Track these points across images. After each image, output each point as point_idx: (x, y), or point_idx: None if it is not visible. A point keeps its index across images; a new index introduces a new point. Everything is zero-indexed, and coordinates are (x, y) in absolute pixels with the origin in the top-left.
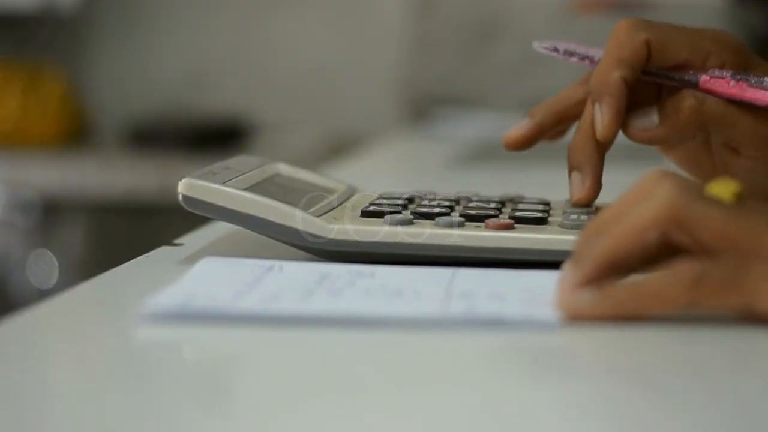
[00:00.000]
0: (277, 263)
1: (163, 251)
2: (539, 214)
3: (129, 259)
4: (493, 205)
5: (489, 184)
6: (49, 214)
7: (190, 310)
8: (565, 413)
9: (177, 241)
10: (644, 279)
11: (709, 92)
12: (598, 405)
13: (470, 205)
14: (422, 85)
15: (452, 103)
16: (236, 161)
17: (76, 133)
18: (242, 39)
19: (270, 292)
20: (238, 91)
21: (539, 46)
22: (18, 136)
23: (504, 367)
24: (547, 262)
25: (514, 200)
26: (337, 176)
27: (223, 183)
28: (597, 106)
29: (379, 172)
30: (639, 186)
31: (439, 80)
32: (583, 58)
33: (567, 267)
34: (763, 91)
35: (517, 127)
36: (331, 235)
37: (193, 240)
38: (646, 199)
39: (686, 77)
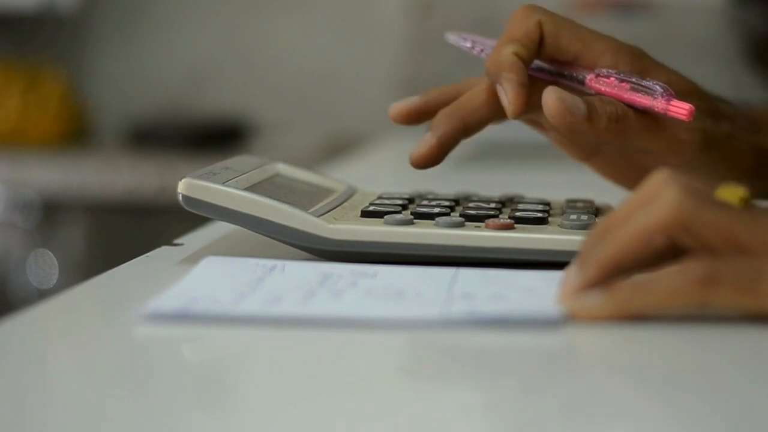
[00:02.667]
0: (279, 263)
1: (163, 251)
2: (539, 214)
3: (129, 259)
4: (493, 205)
5: (489, 184)
6: (49, 214)
7: (191, 312)
8: (567, 413)
9: (177, 241)
10: (654, 276)
11: (595, 91)
12: (600, 405)
13: (470, 205)
14: (422, 85)
15: None
16: (236, 161)
17: (76, 133)
18: (242, 39)
19: (271, 294)
20: (238, 91)
21: (450, 36)
22: (18, 136)
23: (505, 366)
24: (547, 262)
25: (514, 200)
26: (337, 176)
27: (223, 183)
28: (499, 87)
29: (379, 172)
30: (646, 188)
31: (439, 80)
32: (484, 50)
33: (571, 269)
34: (640, 95)
35: (407, 100)
36: (331, 235)
37: (193, 240)
38: (652, 202)
39: (574, 74)
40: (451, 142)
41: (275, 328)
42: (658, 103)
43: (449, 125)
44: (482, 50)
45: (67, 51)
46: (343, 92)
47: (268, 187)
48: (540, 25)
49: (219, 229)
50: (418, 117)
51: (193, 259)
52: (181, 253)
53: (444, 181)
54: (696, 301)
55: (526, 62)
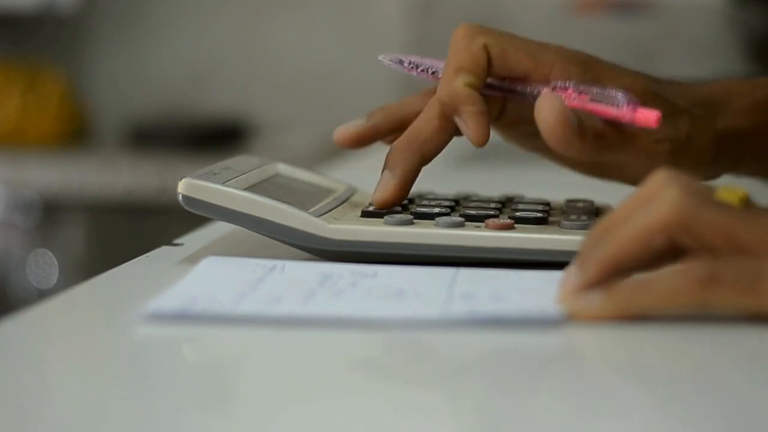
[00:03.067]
0: (279, 263)
1: (163, 251)
2: (539, 214)
3: (129, 259)
4: (493, 205)
5: (489, 184)
6: (49, 214)
7: (191, 312)
8: (565, 413)
9: (177, 241)
10: (654, 277)
11: None
12: (600, 404)
13: (470, 205)
14: (422, 85)
15: None
16: (236, 161)
17: (76, 133)
18: (242, 39)
19: (271, 294)
20: (238, 91)
21: (384, 59)
22: (18, 136)
23: (505, 367)
24: (547, 262)
25: (514, 200)
26: (337, 176)
27: (223, 183)
28: (458, 119)
29: (379, 172)
30: (645, 188)
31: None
32: (426, 70)
33: (571, 269)
34: (603, 106)
35: (352, 124)
36: (331, 235)
37: (193, 240)
38: (652, 202)
39: (528, 89)
40: (413, 178)
41: (275, 328)
42: (623, 113)
43: (408, 161)
44: (422, 70)
45: (67, 51)
46: (343, 92)
47: (268, 187)
48: (485, 48)
49: (219, 229)
50: (364, 141)
51: (193, 259)
52: (181, 253)
53: (444, 181)
54: (696, 301)
55: (479, 89)
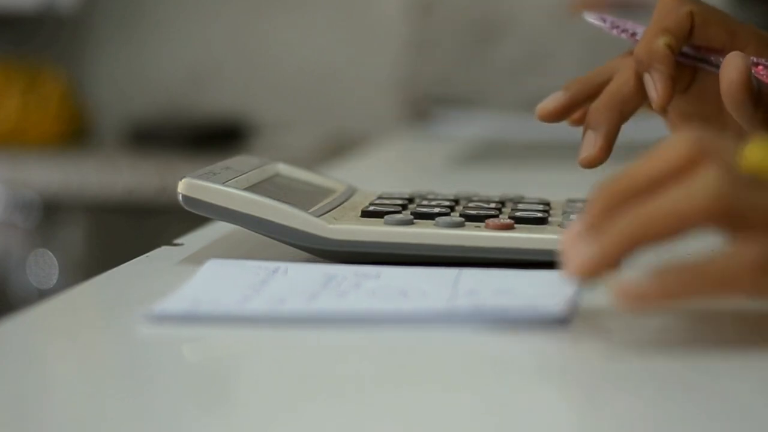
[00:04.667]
0: (282, 265)
1: (163, 251)
2: (539, 214)
3: (129, 259)
4: (493, 205)
5: (489, 184)
6: (49, 214)
7: (197, 315)
8: (568, 414)
9: (177, 241)
10: (707, 260)
11: None
12: (603, 406)
13: (470, 205)
14: (422, 85)
15: (452, 103)
16: (236, 161)
17: (76, 133)
18: (242, 39)
19: (275, 296)
20: (238, 91)
21: (589, 16)
22: (18, 136)
23: (510, 366)
24: (547, 262)
25: (514, 200)
26: (337, 176)
27: (223, 183)
28: (647, 76)
29: (379, 172)
30: (673, 152)
31: (439, 80)
32: (627, 31)
33: (581, 233)
34: None
35: (552, 98)
36: (331, 235)
37: (193, 240)
38: (688, 180)
39: (721, 60)
40: (615, 136)
41: (276, 328)
42: None
43: (610, 120)
44: (623, 31)
45: (67, 51)
46: (343, 92)
47: (268, 187)
48: (691, 15)
49: (219, 229)
50: (565, 113)
51: (193, 259)
52: (181, 253)
53: (444, 181)
54: (754, 287)
55: (676, 53)
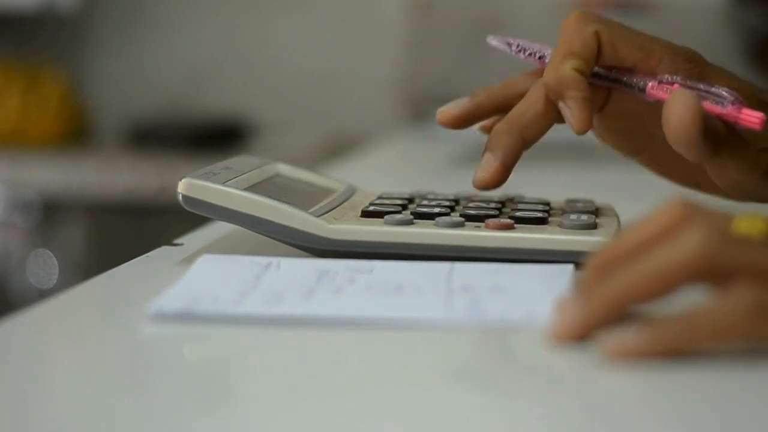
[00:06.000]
0: (274, 260)
1: (163, 251)
2: (539, 214)
3: (129, 259)
4: (493, 205)
5: None
6: (49, 214)
7: (194, 312)
8: (560, 417)
9: (177, 241)
10: (697, 311)
11: (656, 99)
12: (599, 405)
13: (470, 205)
14: (422, 85)
15: None
16: (236, 161)
17: (76, 133)
18: (242, 39)
19: (271, 292)
20: (238, 91)
21: (492, 40)
22: (18, 136)
23: (503, 368)
24: (547, 262)
25: (514, 200)
26: (337, 176)
27: (223, 183)
28: (562, 104)
29: (379, 172)
30: (661, 219)
31: (439, 80)
32: (533, 54)
33: (568, 300)
34: (709, 104)
35: (455, 103)
36: (331, 235)
37: (193, 240)
38: (673, 239)
39: (634, 81)
40: (514, 161)
41: (276, 327)
42: (729, 111)
43: (509, 144)
44: (529, 55)
45: (67, 51)
46: (343, 92)
47: (268, 187)
48: (597, 35)
49: (219, 229)
50: (467, 121)
51: (193, 259)
52: (181, 253)
53: (444, 181)
54: (744, 334)
55: (586, 76)
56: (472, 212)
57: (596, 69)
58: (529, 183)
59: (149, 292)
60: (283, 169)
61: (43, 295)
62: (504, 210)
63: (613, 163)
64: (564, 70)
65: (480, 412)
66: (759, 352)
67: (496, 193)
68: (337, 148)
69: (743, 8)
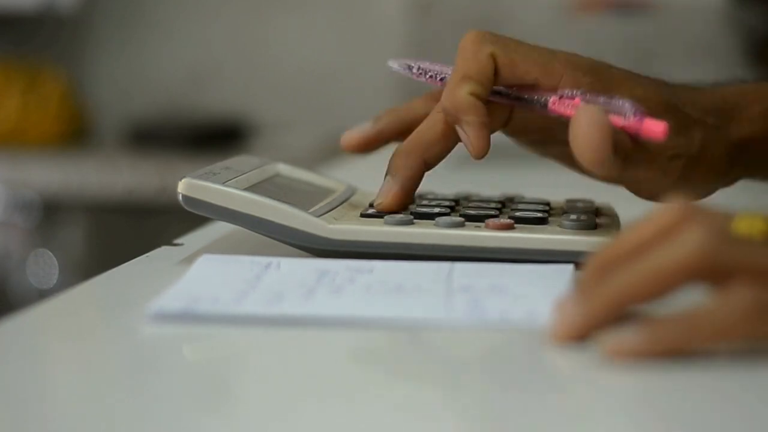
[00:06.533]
0: (274, 260)
1: (163, 251)
2: (539, 214)
3: (129, 259)
4: (493, 205)
5: (489, 184)
6: (49, 214)
7: (195, 312)
8: (560, 417)
9: (177, 241)
10: (697, 311)
11: (559, 114)
12: (599, 404)
13: (470, 205)
14: (422, 85)
15: None
16: (236, 161)
17: (76, 133)
18: (242, 39)
19: (272, 292)
20: (238, 91)
21: (393, 64)
22: (18, 136)
23: (504, 368)
24: (547, 262)
25: (514, 200)
26: (337, 176)
27: (223, 183)
28: (459, 129)
29: (379, 172)
30: (661, 219)
31: None
32: (435, 76)
33: (567, 300)
34: (611, 115)
35: (358, 129)
36: (331, 235)
37: (193, 240)
38: (672, 239)
39: (535, 98)
40: (415, 184)
41: (276, 326)
42: (630, 123)
43: (410, 167)
44: (430, 77)
45: (67, 51)
46: (343, 92)
47: (268, 187)
48: (493, 57)
49: (219, 229)
50: (371, 146)
51: (193, 259)
52: (181, 253)
53: (444, 181)
54: (744, 333)
55: (483, 99)
56: (472, 212)
57: (496, 87)
58: (529, 183)
59: (149, 292)
60: (283, 169)
61: (43, 295)
62: (504, 210)
63: None
64: (460, 94)
65: (480, 412)
66: (759, 352)
67: (496, 193)
68: (338, 148)
69: (743, 8)
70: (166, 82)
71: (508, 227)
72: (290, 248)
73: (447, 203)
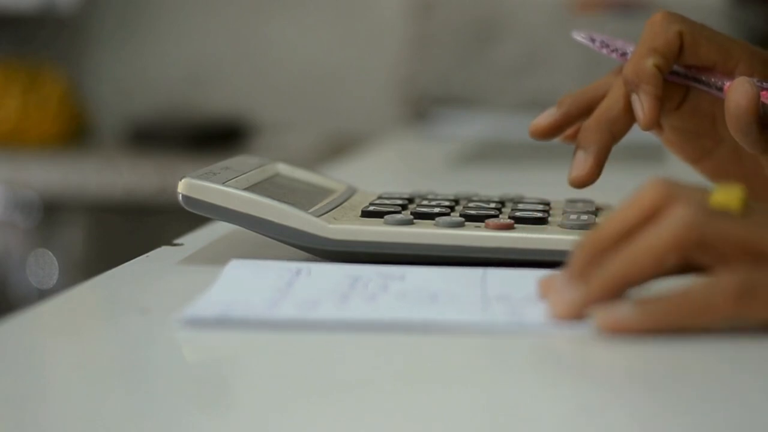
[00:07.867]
0: (304, 266)
1: (163, 251)
2: (539, 214)
3: (129, 259)
4: (493, 205)
5: (489, 184)
6: (49, 214)
7: (230, 318)
8: (570, 416)
9: (177, 241)
10: (687, 291)
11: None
12: (601, 405)
13: (470, 205)
14: (422, 85)
15: (452, 103)
16: (236, 161)
17: (76, 133)
18: (242, 39)
19: (305, 299)
20: (237, 91)
21: (577, 35)
22: (18, 136)
23: (515, 368)
24: (548, 262)
25: (514, 200)
26: (337, 176)
27: (223, 183)
28: (635, 96)
29: (379, 172)
30: (643, 200)
31: (439, 80)
32: (616, 50)
33: (560, 283)
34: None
35: (545, 115)
36: (331, 235)
37: (193, 240)
38: (659, 219)
39: (712, 80)
40: (605, 156)
41: (277, 330)
42: None
43: (600, 140)
44: (613, 51)
45: (67, 51)
46: (343, 92)
47: (268, 187)
48: (680, 35)
49: (219, 229)
50: (558, 129)
51: (193, 259)
52: (181, 253)
53: (444, 181)
54: (731, 313)
55: (664, 74)
56: (472, 212)
57: (676, 67)
58: (529, 183)
59: (149, 292)
60: (283, 169)
61: (43, 295)
62: (504, 210)
63: (613, 163)
64: (645, 64)
65: (482, 412)
66: (753, 330)
67: (496, 193)
68: (337, 148)
69: (743, 8)
70: (166, 82)
71: (508, 227)
72: (293, 249)
73: (447, 203)
